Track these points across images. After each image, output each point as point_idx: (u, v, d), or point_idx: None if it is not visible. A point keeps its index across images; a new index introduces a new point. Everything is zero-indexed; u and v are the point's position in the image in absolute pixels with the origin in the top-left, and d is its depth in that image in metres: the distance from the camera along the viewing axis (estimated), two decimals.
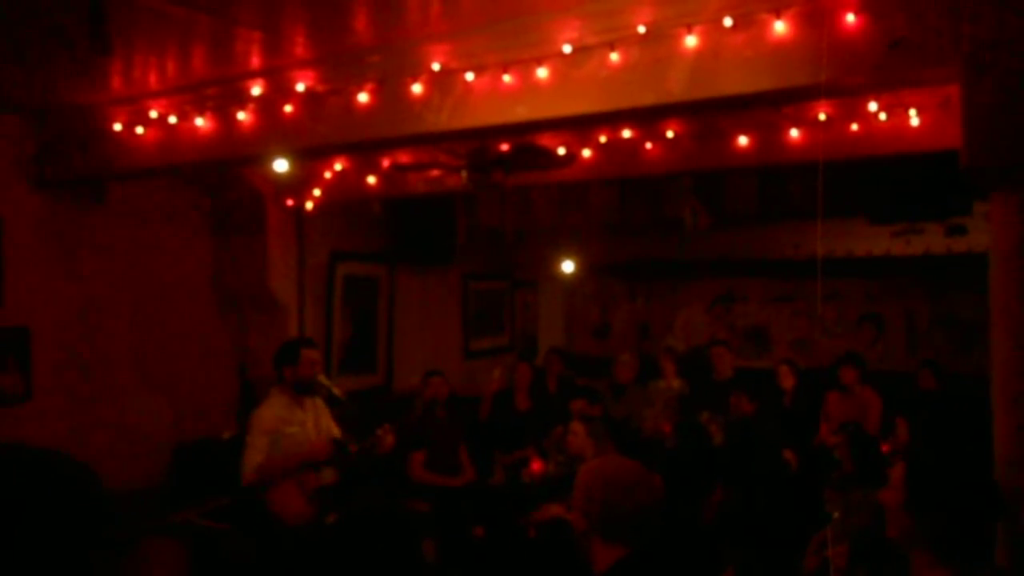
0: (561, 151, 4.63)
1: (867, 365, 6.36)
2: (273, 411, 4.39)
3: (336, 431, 4.63)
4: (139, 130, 4.34)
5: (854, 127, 4.28)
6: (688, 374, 7.07)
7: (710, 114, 4.37)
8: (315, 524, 4.23)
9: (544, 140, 4.72)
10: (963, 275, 7.25)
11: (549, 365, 7.18)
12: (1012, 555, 2.43)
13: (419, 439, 5.80)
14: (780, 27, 2.88)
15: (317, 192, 5.81)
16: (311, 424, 4.51)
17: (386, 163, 5.39)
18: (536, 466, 5.41)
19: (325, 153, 5.10)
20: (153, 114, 4.26)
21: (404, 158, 5.19)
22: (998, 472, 2.59)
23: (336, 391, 4.66)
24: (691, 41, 3.02)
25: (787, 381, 6.44)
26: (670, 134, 4.66)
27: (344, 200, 5.97)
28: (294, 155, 4.49)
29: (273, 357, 4.59)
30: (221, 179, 5.72)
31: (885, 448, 5.06)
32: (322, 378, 4.80)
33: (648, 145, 4.80)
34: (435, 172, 5.04)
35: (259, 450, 4.27)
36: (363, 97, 3.71)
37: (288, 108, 3.91)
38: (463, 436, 6.06)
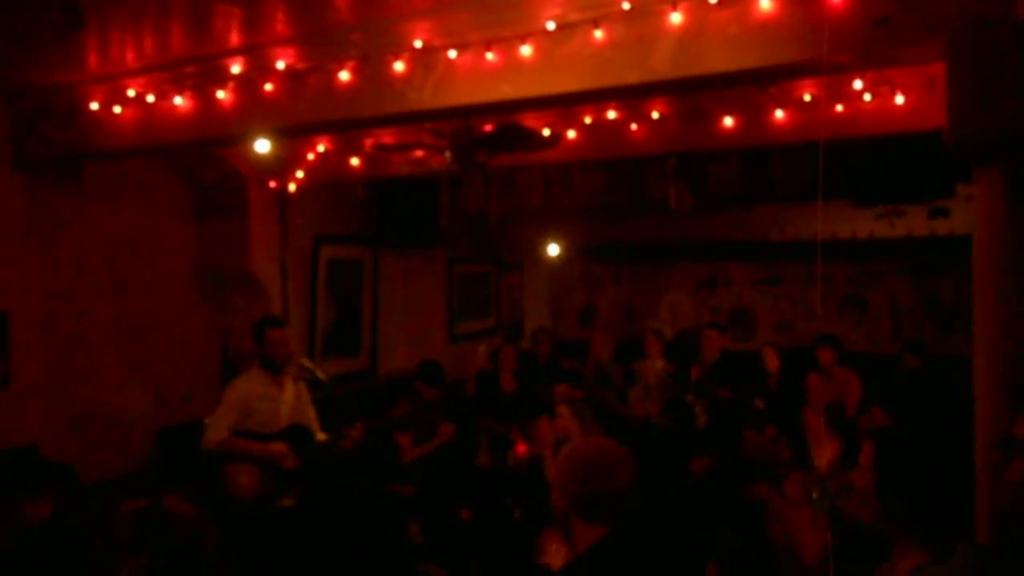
0: (546, 132, 4.59)
1: (844, 346, 6.39)
2: (248, 384, 4.38)
3: (313, 415, 4.59)
4: (116, 109, 4.26)
5: (839, 108, 4.27)
6: (674, 356, 7.08)
7: (695, 93, 4.34)
8: (269, 503, 4.22)
9: (528, 120, 4.68)
10: (946, 257, 7.30)
11: (539, 344, 7.19)
12: (993, 532, 2.45)
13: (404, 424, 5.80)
14: (766, 4, 2.87)
15: (300, 174, 5.75)
16: (288, 405, 4.46)
17: (369, 144, 5.34)
18: (521, 449, 5.41)
19: (306, 132, 5.04)
20: (131, 93, 4.19)
21: (387, 138, 5.14)
22: (979, 451, 2.61)
23: (320, 374, 4.64)
24: (676, 18, 3.00)
25: (772, 363, 6.45)
26: (655, 115, 4.64)
27: (327, 182, 5.91)
28: (275, 134, 4.43)
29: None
30: (202, 160, 5.64)
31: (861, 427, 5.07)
32: (305, 361, 4.80)
33: (633, 126, 4.78)
34: (419, 153, 4.99)
35: (223, 422, 4.27)
36: (344, 75, 3.67)
37: (268, 86, 3.86)
38: (446, 416, 6.06)
